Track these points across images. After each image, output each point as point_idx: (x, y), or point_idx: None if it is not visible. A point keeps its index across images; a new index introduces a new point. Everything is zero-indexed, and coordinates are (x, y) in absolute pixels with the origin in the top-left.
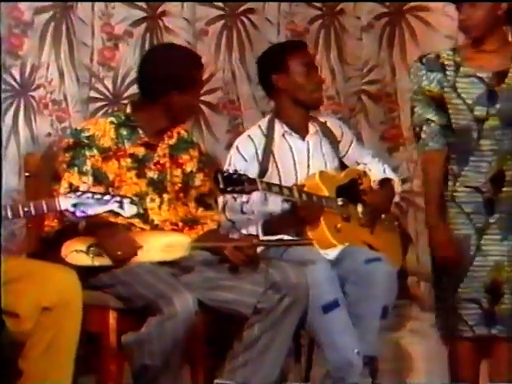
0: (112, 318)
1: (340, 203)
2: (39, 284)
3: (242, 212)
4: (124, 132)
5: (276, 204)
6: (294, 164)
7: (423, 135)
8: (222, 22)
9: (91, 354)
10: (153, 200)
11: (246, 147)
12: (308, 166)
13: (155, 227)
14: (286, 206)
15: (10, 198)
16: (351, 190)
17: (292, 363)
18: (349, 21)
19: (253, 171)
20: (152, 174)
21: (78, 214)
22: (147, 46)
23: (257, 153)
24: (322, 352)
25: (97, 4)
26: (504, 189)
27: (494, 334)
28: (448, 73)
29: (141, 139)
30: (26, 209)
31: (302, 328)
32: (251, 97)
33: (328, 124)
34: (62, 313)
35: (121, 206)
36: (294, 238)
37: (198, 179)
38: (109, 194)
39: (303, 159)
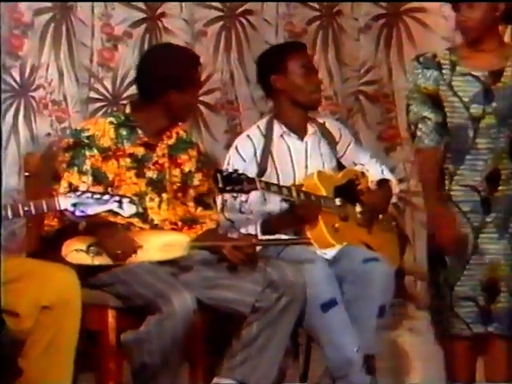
0: (111, 316)
1: (338, 203)
2: (39, 283)
3: (241, 211)
4: (123, 132)
5: (275, 203)
6: (293, 164)
7: (419, 133)
8: (221, 23)
9: (91, 353)
10: (152, 199)
11: (245, 147)
12: (306, 166)
13: (154, 226)
14: (285, 205)
15: (10, 198)
16: (349, 190)
17: (290, 361)
18: (346, 22)
19: (251, 171)
20: (151, 173)
21: (78, 213)
22: (146, 47)
23: (255, 153)
24: (321, 350)
25: (96, 5)
26: (500, 188)
27: (490, 332)
28: (444, 71)
29: (140, 139)
30: (26, 208)
31: (299, 326)
32: (249, 97)
33: (326, 125)
34: (62, 312)
35: (120, 206)
36: (292, 238)
37: (197, 179)
38: (108, 193)
39: (301, 159)
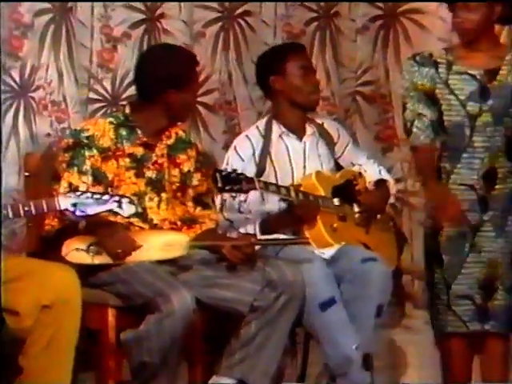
0: (111, 315)
1: (336, 203)
2: (39, 282)
3: (240, 211)
4: (123, 132)
5: (273, 203)
6: (291, 164)
7: (414, 129)
8: (219, 24)
9: (91, 351)
10: (151, 199)
11: (244, 147)
12: (304, 166)
13: (154, 226)
14: (283, 205)
15: (10, 198)
16: (347, 190)
17: (288, 360)
18: (344, 23)
19: (250, 171)
20: (150, 173)
21: (78, 213)
22: (145, 48)
23: (254, 153)
24: (321, 348)
25: (96, 6)
26: (497, 186)
27: (487, 330)
28: (440, 70)
29: (139, 139)
30: (26, 208)
31: (298, 325)
32: (247, 98)
33: (325, 125)
34: (62, 310)
35: (119, 206)
36: (291, 237)
37: (196, 179)
38: (108, 193)
39: (300, 160)
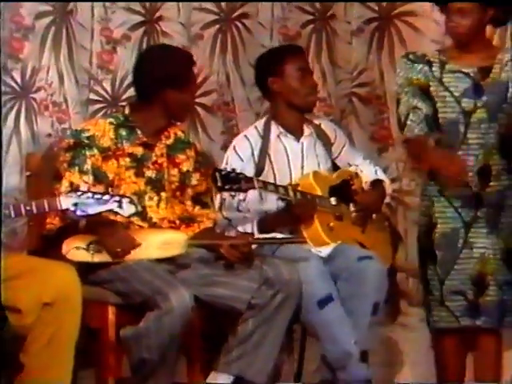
0: (111, 313)
1: (333, 203)
2: (40, 280)
3: (239, 210)
4: (123, 132)
5: (271, 203)
6: (289, 164)
7: (409, 122)
8: (217, 26)
9: (91, 348)
10: (151, 198)
11: (243, 147)
12: (302, 166)
13: (153, 225)
14: (281, 204)
15: (12, 197)
16: (343, 190)
17: (285, 357)
18: (339, 25)
19: (249, 170)
20: (150, 173)
21: (79, 213)
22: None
23: (253, 153)
24: (321, 345)
25: (96, 9)
26: (491, 183)
27: (478, 325)
28: (434, 68)
29: (139, 139)
30: (27, 208)
31: (295, 323)
32: (245, 99)
33: (322, 126)
34: (63, 308)
35: (120, 206)
36: (288, 236)
37: (195, 178)
38: (108, 193)
39: (297, 160)
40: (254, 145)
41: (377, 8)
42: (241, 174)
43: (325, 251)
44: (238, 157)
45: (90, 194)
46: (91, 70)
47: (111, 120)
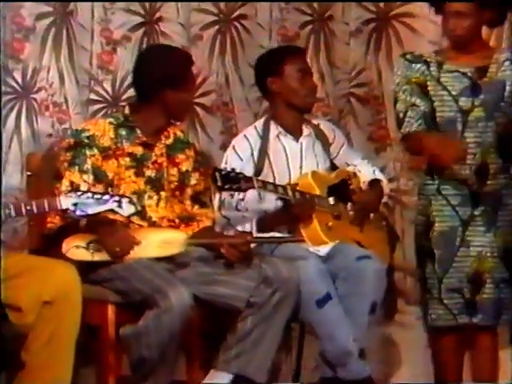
0: (111, 311)
1: (331, 202)
2: (40, 279)
3: (237, 209)
4: (123, 132)
5: (270, 202)
6: (288, 164)
7: (407, 119)
8: (216, 27)
9: (91, 346)
10: (151, 197)
11: (242, 147)
12: (301, 166)
13: (152, 224)
14: (280, 203)
15: (13, 196)
16: (342, 189)
17: (284, 355)
18: (338, 26)
19: (248, 170)
20: (150, 172)
21: (78, 213)
22: None
23: (252, 153)
24: (320, 343)
25: (96, 10)
26: (489, 182)
27: (475, 323)
28: (432, 68)
29: (139, 139)
30: (28, 207)
31: (293, 321)
32: (244, 99)
33: (321, 127)
34: (63, 306)
35: (119, 206)
36: (286, 236)
37: (194, 178)
38: (108, 193)
39: (296, 159)
40: (254, 145)
41: (375, 9)
42: (240, 173)
43: (323, 250)
44: (238, 156)
45: (89, 194)
46: (91, 70)
47: (111, 120)
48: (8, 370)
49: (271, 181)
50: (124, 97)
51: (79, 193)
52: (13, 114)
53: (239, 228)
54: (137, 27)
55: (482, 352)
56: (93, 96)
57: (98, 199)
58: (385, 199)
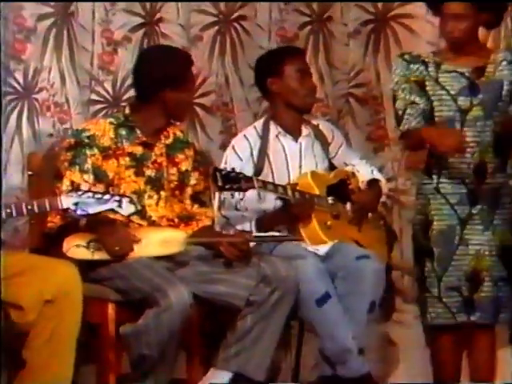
0: (111, 309)
1: (330, 202)
2: (41, 277)
3: (237, 209)
4: (123, 132)
5: (270, 202)
6: (287, 164)
7: (406, 116)
8: (216, 28)
9: (91, 345)
10: (150, 197)
11: (242, 147)
12: (300, 166)
13: (152, 223)
14: (279, 203)
15: (14, 196)
16: (340, 189)
17: (283, 354)
18: (336, 27)
19: (248, 170)
20: (150, 172)
21: (79, 212)
22: None
23: (252, 153)
24: (320, 341)
25: (97, 11)
26: (487, 180)
27: (473, 321)
28: (430, 69)
29: (139, 139)
30: (29, 207)
31: (292, 319)
32: (244, 99)
33: (320, 127)
34: (64, 305)
35: (120, 205)
36: (286, 235)
37: (194, 178)
38: (108, 193)
39: (296, 159)
40: (253, 145)
41: (373, 10)
42: (241, 173)
43: (322, 249)
44: (238, 156)
45: (90, 194)
46: (92, 70)
47: (111, 120)
48: (9, 368)
49: (271, 180)
50: (124, 97)
51: (80, 192)
52: (14, 114)
53: (239, 227)
54: (137, 28)
55: (480, 351)
56: (94, 96)
57: (98, 199)
58: (383, 199)
